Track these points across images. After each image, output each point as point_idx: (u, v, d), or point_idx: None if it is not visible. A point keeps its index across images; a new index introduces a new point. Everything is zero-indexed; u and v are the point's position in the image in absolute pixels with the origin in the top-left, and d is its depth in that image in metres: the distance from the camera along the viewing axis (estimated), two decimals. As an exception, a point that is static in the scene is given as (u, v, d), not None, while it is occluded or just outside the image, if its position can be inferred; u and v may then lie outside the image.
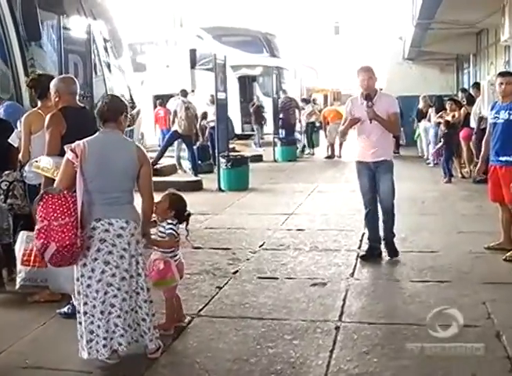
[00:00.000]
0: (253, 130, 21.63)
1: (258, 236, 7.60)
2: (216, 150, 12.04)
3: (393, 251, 6.40)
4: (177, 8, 25.68)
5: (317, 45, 41.10)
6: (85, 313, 3.96)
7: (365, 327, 4.54)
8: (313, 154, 18.49)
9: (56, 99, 4.93)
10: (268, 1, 38.16)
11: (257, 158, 16.50)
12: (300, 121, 18.28)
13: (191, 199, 10.71)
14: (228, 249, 7.04)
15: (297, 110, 17.86)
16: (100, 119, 4.09)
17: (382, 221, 6.44)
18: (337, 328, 4.55)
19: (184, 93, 14.12)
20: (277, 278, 5.85)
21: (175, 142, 14.29)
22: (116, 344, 3.90)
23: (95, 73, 7.86)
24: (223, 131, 11.73)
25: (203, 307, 5.13)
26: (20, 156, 5.33)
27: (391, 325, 4.59)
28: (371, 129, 6.13)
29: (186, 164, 14.04)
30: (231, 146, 19.23)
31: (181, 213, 4.60)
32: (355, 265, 6.20)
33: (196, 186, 11.81)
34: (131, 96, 8.67)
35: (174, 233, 4.51)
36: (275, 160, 16.54)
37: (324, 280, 5.71)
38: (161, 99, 19.33)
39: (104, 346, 3.87)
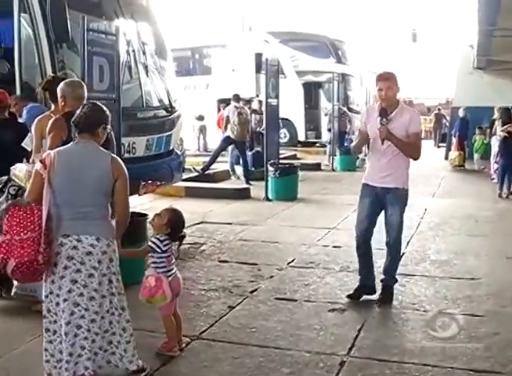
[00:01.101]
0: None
1: (290, 252, 7.20)
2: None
3: (388, 299, 5.35)
4: (246, 12, 25.55)
5: (388, 51, 40.09)
6: (55, 332, 3.69)
7: (373, 365, 4.08)
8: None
9: (62, 104, 4.74)
10: (342, 7, 37.62)
11: (315, 167, 16.06)
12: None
13: (236, 207, 10.69)
14: (255, 264, 6.67)
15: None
16: (75, 128, 3.75)
17: (386, 257, 5.54)
18: (342, 363, 4.11)
19: (236, 98, 13.87)
20: (295, 300, 5.44)
21: (229, 148, 14.12)
22: (81, 368, 3.58)
23: (130, 76, 7.69)
24: (273, 138, 11.36)
25: (207, 329, 4.78)
26: (31, 160, 5.13)
27: (403, 364, 4.10)
28: (383, 150, 5.19)
29: (240, 171, 13.78)
30: (292, 153, 18.96)
31: (176, 233, 4.29)
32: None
33: (244, 195, 11.51)
34: (169, 101, 8.41)
35: (153, 246, 4.21)
36: (333, 170, 16.04)
37: (344, 306, 5.27)
38: (226, 103, 19.22)
39: (66, 370, 3.57)
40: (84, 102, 4.78)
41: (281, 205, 10.54)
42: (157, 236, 4.24)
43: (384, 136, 5.06)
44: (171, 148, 8.43)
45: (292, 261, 6.80)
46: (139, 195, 8.15)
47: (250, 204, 10.91)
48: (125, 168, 3.79)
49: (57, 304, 3.65)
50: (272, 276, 6.21)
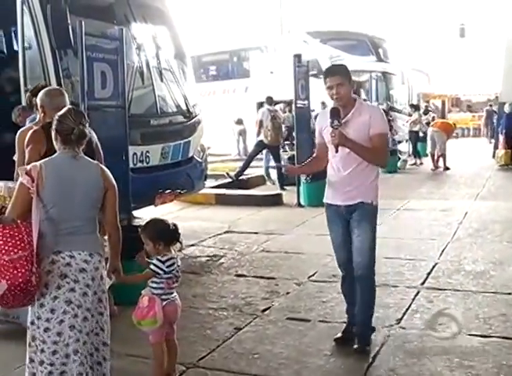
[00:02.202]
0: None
1: (313, 264, 6.72)
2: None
3: (364, 351, 4.30)
4: (284, 13, 25.13)
5: (433, 48, 38.93)
6: (42, 363, 3.33)
7: (383, 402, 3.59)
8: (421, 164, 17.15)
9: (42, 115, 4.39)
10: (384, 3, 36.73)
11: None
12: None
13: (266, 215, 10.27)
14: (273, 279, 6.23)
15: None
16: (64, 140, 3.42)
17: (357, 297, 4.46)
18: (348, 400, 3.64)
19: (270, 101, 13.44)
20: (308, 320, 4.98)
21: (264, 152, 13.73)
22: None
23: (142, 82, 7.35)
24: (303, 141, 10.88)
25: (206, 355, 4.37)
26: (15, 174, 4.81)
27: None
28: (341, 159, 4.20)
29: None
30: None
31: (168, 236, 3.86)
32: (408, 307, 5.20)
33: (276, 201, 11.08)
34: (187, 106, 8.04)
35: (155, 269, 3.80)
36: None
37: (362, 327, 4.76)
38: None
39: None
40: None
41: (313, 211, 10.03)
42: (158, 257, 3.84)
43: (338, 141, 4.08)
44: (190, 155, 8.05)
45: (313, 274, 6.33)
46: (155, 205, 7.91)
47: (282, 210, 10.47)
48: (113, 179, 3.54)
49: (46, 329, 3.31)
50: (288, 293, 5.75)
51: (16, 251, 3.14)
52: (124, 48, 6.04)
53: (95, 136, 4.70)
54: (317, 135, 4.45)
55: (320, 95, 16.23)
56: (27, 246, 3.16)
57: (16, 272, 3.11)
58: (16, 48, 6.56)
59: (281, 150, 13.61)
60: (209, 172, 15.45)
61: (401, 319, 4.95)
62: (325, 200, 4.46)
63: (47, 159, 3.45)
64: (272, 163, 13.19)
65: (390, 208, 10.00)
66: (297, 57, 21.70)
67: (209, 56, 23.15)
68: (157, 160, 7.33)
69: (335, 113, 4.12)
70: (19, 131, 4.61)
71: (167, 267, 3.78)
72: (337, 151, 4.13)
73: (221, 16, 27.62)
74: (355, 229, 4.28)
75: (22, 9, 6.35)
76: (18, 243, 3.16)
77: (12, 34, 6.60)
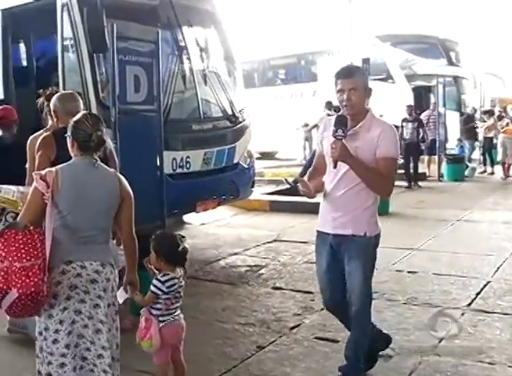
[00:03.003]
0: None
1: (356, 278, 6.35)
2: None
3: None
4: (353, 16, 24.65)
5: (507, 51, 37.15)
6: (49, 375, 3.20)
7: None
8: (492, 174, 16.31)
9: (55, 120, 4.27)
10: (456, 5, 35.51)
11: (420, 176, 14.84)
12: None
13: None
14: (310, 293, 5.91)
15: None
16: (81, 146, 3.28)
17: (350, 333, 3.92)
18: None
19: (329, 105, 13.08)
20: (337, 341, 4.63)
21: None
22: None
23: (184, 86, 7.16)
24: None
25: (220, 375, 4.11)
26: (27, 182, 4.68)
27: None
28: (338, 176, 3.57)
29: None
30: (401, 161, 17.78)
31: (170, 255, 3.62)
32: (448, 331, 4.77)
33: (330, 208, 10.68)
34: (233, 111, 7.80)
35: (155, 290, 3.57)
36: (439, 179, 14.75)
37: (394, 352, 4.38)
38: (334, 110, 18.48)
39: None
40: None
41: (368, 221, 9.64)
42: (158, 277, 3.62)
43: (338, 155, 3.40)
44: (235, 161, 7.81)
45: (353, 289, 5.96)
46: (197, 212, 7.72)
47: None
48: (130, 188, 3.41)
49: (54, 341, 3.17)
50: (322, 309, 5.39)
51: (28, 258, 3.02)
52: (160, 50, 5.87)
53: (111, 142, 4.52)
54: (317, 144, 3.88)
55: (392, 101, 15.86)
56: (39, 254, 3.04)
57: (28, 280, 2.99)
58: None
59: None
60: (271, 178, 15.38)
61: (437, 344, 4.54)
62: (316, 227, 3.81)
63: (63, 165, 3.32)
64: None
65: (448, 219, 9.49)
66: (366, 61, 21.31)
67: (277, 60, 22.98)
68: (199, 165, 7.13)
69: (341, 122, 3.47)
70: (30, 138, 4.50)
71: (167, 287, 3.55)
72: (335, 166, 3.48)
73: (290, 19, 27.42)
74: (345, 265, 3.66)
75: (62, 13, 6.29)
76: (31, 250, 3.03)
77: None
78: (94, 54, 6.13)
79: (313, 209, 10.35)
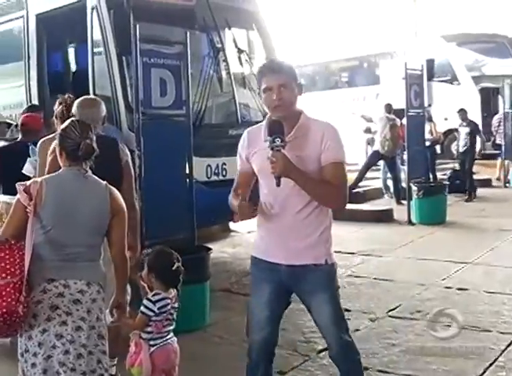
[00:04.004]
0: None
1: (399, 295, 5.88)
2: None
3: None
4: (416, 17, 23.89)
5: None
6: None
7: None
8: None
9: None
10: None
11: (485, 183, 14.05)
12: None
13: (370, 233, 9.42)
14: (347, 311, 5.37)
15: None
16: (69, 156, 3.05)
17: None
18: None
19: (389, 108, 12.54)
20: (367, 368, 4.15)
21: (381, 163, 12.86)
22: None
23: (221, 90, 6.86)
24: (416, 154, 9.94)
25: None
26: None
27: None
28: (281, 196, 2.94)
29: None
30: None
31: (163, 273, 3.34)
32: (494, 361, 4.25)
33: (385, 217, 10.19)
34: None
35: (145, 311, 3.26)
36: (505, 186, 13.90)
37: (427, 383, 3.94)
38: (396, 114, 17.88)
39: None
40: (98, 124, 4.08)
41: (423, 230, 9.11)
42: (148, 296, 3.33)
43: (281, 169, 2.79)
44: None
45: (395, 308, 5.50)
46: (234, 221, 7.36)
47: (389, 228, 9.57)
48: (123, 203, 3.15)
49: (33, 365, 2.92)
50: (357, 330, 4.98)
51: (4, 276, 2.78)
52: (195, 53, 5.58)
53: (128, 153, 4.27)
54: (240, 161, 3.15)
55: (457, 103, 15.12)
56: (17, 271, 2.80)
57: (0, 301, 2.74)
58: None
59: (398, 161, 12.61)
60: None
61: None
62: (253, 254, 3.16)
63: (50, 175, 3.10)
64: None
65: (507, 229, 8.81)
66: (430, 62, 20.59)
67: (340, 63, 22.50)
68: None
69: (276, 129, 2.82)
70: (40, 142, 4.28)
71: (159, 309, 3.24)
72: (278, 184, 2.81)
73: (353, 20, 26.88)
74: (311, 302, 3.04)
75: (91, 16, 6.11)
76: (8, 267, 2.80)
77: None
78: (123, 57, 5.90)
79: (365, 217, 10.10)
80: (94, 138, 3.11)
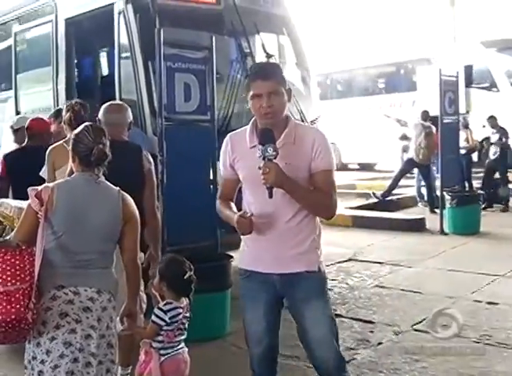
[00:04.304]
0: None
1: (427, 307, 5.69)
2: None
3: None
4: (454, 23, 23.47)
5: None
6: None
7: None
8: None
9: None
10: None
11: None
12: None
13: (401, 242, 9.22)
14: (371, 323, 5.35)
15: None
16: (82, 161, 3.01)
17: None
18: None
19: (425, 115, 12.30)
20: (387, 386, 4.07)
21: (415, 171, 12.64)
22: None
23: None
24: (450, 161, 9.71)
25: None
26: None
27: None
28: (273, 205, 2.81)
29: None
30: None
31: (175, 282, 3.27)
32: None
33: (417, 226, 9.96)
34: (303, 121, 7.29)
35: (157, 321, 3.19)
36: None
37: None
38: (432, 121, 17.60)
39: None
40: (124, 129, 4.06)
41: (455, 240, 8.88)
42: (160, 305, 3.28)
43: (274, 181, 2.69)
44: (305, 175, 7.33)
45: (420, 321, 5.32)
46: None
47: (420, 237, 9.35)
48: (137, 210, 3.09)
49: (40, 372, 2.86)
50: (380, 343, 4.85)
51: (13, 281, 2.74)
52: (214, 57, 5.52)
53: (151, 160, 4.21)
54: (223, 168, 3.06)
55: (496, 110, 14.75)
56: (27, 277, 2.76)
57: (9, 307, 2.70)
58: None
59: (433, 169, 12.36)
60: (362, 191, 14.72)
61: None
62: (241, 266, 3.05)
63: (62, 180, 3.10)
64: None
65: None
66: (468, 68, 20.21)
67: (376, 69, 22.25)
68: (261, 179, 6.71)
69: (268, 137, 2.73)
70: (49, 149, 4.25)
71: (170, 318, 3.17)
72: (271, 195, 2.71)
73: (389, 26, 26.55)
74: (304, 311, 2.92)
75: (118, 20, 6.09)
76: (18, 273, 2.76)
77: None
78: (148, 61, 5.86)
79: (397, 226, 9.89)
80: (107, 143, 3.07)
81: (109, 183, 3.07)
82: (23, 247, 2.81)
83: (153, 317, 3.21)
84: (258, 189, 2.77)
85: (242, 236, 2.96)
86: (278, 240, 2.88)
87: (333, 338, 2.93)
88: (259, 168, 2.69)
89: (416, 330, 5.15)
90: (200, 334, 4.59)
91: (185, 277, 3.23)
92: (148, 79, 5.89)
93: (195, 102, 5.49)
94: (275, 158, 2.69)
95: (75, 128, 4.35)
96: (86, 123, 3.24)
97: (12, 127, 5.32)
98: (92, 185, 2.99)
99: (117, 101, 4.52)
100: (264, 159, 2.69)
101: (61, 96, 6.76)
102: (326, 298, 2.97)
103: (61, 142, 4.32)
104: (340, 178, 16.08)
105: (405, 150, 20.68)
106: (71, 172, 3.19)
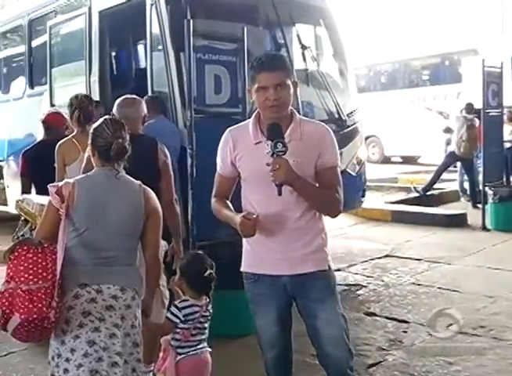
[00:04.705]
0: None
1: (464, 307, 5.51)
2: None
3: None
4: (504, 11, 22.85)
5: None
6: None
7: None
8: None
9: None
10: None
11: None
12: None
13: (441, 238, 8.97)
14: (405, 323, 5.19)
15: None
16: (101, 156, 2.96)
17: None
18: None
19: (469, 108, 11.97)
20: (417, 389, 3.92)
21: (458, 165, 12.32)
22: None
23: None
24: (493, 155, 9.41)
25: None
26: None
27: None
28: (281, 203, 2.69)
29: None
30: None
31: (194, 279, 3.20)
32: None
33: (458, 221, 9.68)
34: (340, 114, 7.14)
35: (171, 317, 3.14)
36: None
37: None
38: (477, 114, 17.16)
39: None
40: (138, 123, 3.99)
41: (497, 237, 8.59)
42: (176, 302, 3.22)
43: (284, 178, 2.57)
44: (341, 169, 7.14)
45: (457, 321, 5.14)
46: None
47: (462, 233, 9.08)
48: (159, 204, 3.04)
49: (65, 371, 2.82)
50: (413, 344, 4.69)
51: (35, 280, 2.70)
52: (246, 48, 5.40)
53: (167, 153, 4.15)
54: (222, 165, 2.94)
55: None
56: (49, 276, 2.72)
57: (31, 306, 2.66)
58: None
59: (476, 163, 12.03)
60: (404, 184, 14.43)
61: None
62: (247, 270, 2.91)
63: (82, 176, 3.02)
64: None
65: None
66: (515, 59, 19.53)
67: (420, 60, 21.81)
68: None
69: (276, 132, 2.61)
70: (58, 144, 4.21)
71: (184, 316, 3.10)
72: (280, 193, 2.59)
73: (433, 16, 26.02)
74: (317, 312, 2.80)
75: (150, 12, 6.02)
76: (40, 271, 2.71)
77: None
78: (180, 53, 5.77)
79: (437, 221, 9.64)
80: (127, 137, 3.02)
81: (130, 177, 3.01)
82: (46, 245, 2.76)
83: (168, 314, 3.18)
84: (265, 186, 2.65)
85: (244, 238, 2.85)
86: (286, 240, 2.76)
87: (346, 337, 2.85)
88: (268, 164, 2.57)
89: (451, 330, 4.96)
90: (227, 332, 4.52)
91: (205, 275, 3.15)
92: (179, 71, 5.79)
93: (226, 94, 5.41)
94: (284, 154, 2.58)
95: (84, 125, 4.35)
96: (105, 116, 3.18)
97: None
98: (113, 180, 2.93)
99: (131, 95, 4.47)
100: (273, 155, 2.58)
101: (94, 89, 6.73)
102: (337, 296, 2.87)
103: (69, 137, 4.29)
104: (382, 172, 15.90)
105: (448, 142, 20.30)
106: (87, 167, 3.14)
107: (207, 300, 3.22)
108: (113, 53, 7.65)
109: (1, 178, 8.86)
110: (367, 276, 6.73)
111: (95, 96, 6.64)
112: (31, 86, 8.40)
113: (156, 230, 3.01)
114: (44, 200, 3.64)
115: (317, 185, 2.77)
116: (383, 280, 6.57)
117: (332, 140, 2.81)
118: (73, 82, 7.18)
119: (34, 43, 8.38)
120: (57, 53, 7.52)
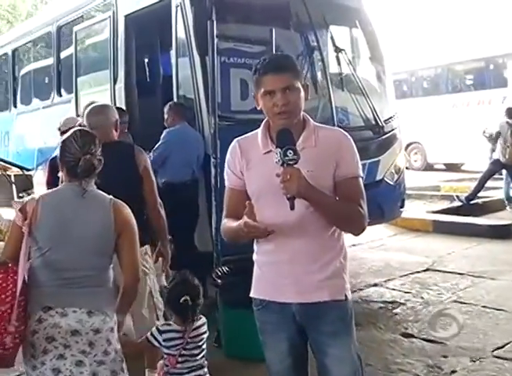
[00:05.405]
0: None
1: (509, 329, 5.09)
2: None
3: None
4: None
5: None
6: None
7: None
8: None
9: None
10: None
11: None
12: None
13: (485, 250, 8.49)
14: (445, 345, 4.79)
15: None
16: (68, 171, 2.75)
17: None
18: None
19: (510, 113, 11.46)
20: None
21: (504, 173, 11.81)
22: None
23: (315, 92, 6.29)
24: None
25: None
26: None
27: None
28: (295, 218, 2.35)
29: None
30: None
31: (174, 307, 3.03)
32: None
33: (504, 233, 9.17)
34: (377, 120, 6.77)
35: (150, 339, 2.99)
36: None
37: None
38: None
39: None
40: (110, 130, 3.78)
41: (546, 250, 8.10)
42: (158, 325, 3.09)
43: (296, 190, 2.24)
44: (378, 178, 6.78)
45: (503, 346, 4.72)
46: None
47: (507, 246, 8.57)
48: (133, 218, 2.77)
49: None
50: (453, 372, 4.29)
51: None
52: (274, 51, 5.11)
53: (146, 158, 3.98)
54: (233, 176, 2.57)
55: None
56: (8, 298, 2.55)
57: None
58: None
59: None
60: (447, 193, 13.93)
61: None
62: (255, 295, 2.57)
63: (48, 192, 2.83)
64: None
65: None
66: None
67: (463, 64, 21.24)
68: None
69: (286, 138, 2.30)
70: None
71: (165, 340, 2.93)
72: (292, 207, 2.25)
73: (477, 18, 25.35)
74: (328, 348, 2.45)
75: (176, 15, 5.78)
76: None
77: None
78: (206, 57, 5.51)
79: (480, 232, 9.16)
80: (98, 151, 2.77)
81: (99, 192, 2.79)
82: (9, 265, 2.60)
83: (148, 334, 3.01)
84: (276, 201, 2.32)
85: (255, 258, 2.55)
86: (300, 262, 2.41)
87: None
88: (277, 174, 2.24)
89: (496, 356, 4.55)
90: (247, 354, 4.22)
91: (180, 301, 2.90)
92: (205, 76, 5.51)
93: (252, 100, 5.09)
94: (296, 163, 2.25)
95: None
96: (76, 128, 2.96)
97: (59, 129, 5.10)
98: (79, 196, 2.71)
99: (100, 103, 4.22)
100: (283, 164, 2.25)
101: (120, 95, 6.52)
102: (353, 331, 2.53)
103: None
104: (424, 179, 15.42)
105: (494, 150, 19.65)
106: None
107: (195, 326, 2.96)
108: (139, 58, 7.42)
109: (31, 188, 8.75)
110: (405, 293, 6.33)
111: (121, 103, 6.44)
112: (59, 94, 8.27)
113: (130, 248, 2.77)
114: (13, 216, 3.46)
115: (337, 198, 2.44)
116: (422, 297, 6.16)
117: (351, 147, 2.48)
118: (97, 90, 6.99)
119: (63, 50, 8.25)
120: (83, 59, 7.37)
